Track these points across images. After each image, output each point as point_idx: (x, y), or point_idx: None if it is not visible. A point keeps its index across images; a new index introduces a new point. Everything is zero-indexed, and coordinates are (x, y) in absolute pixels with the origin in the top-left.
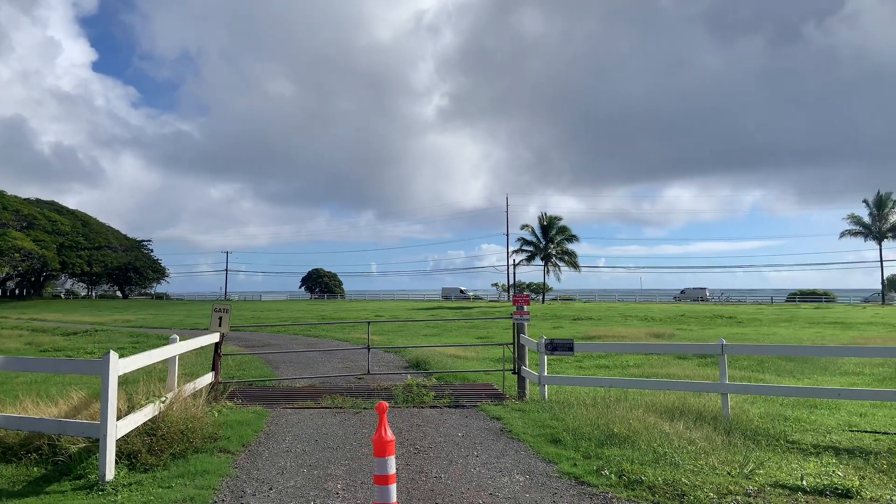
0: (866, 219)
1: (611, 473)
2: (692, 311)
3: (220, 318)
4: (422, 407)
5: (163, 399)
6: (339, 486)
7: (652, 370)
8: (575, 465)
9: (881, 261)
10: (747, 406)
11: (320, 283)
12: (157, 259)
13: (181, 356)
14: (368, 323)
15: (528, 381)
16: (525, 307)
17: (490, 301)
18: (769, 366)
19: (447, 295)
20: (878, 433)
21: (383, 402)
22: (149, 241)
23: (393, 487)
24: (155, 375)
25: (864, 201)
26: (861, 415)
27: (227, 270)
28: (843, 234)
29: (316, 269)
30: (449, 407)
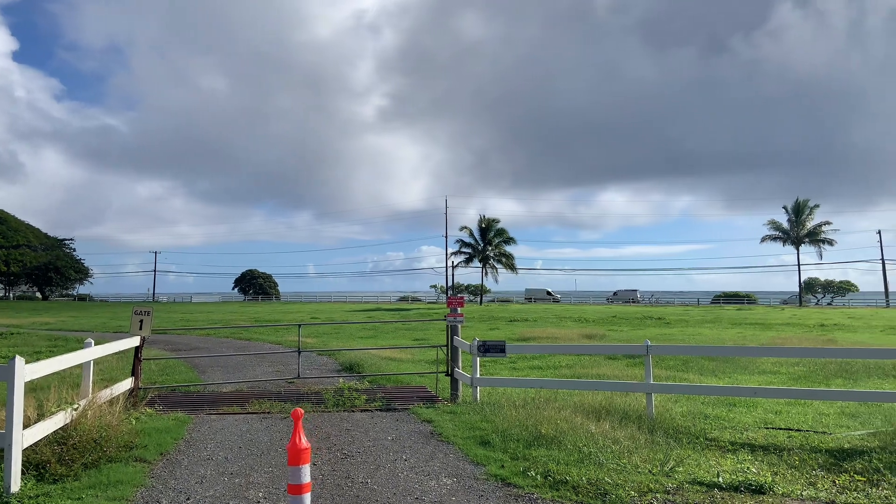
0: (785, 224)
1: (537, 474)
2: (624, 313)
3: (141, 321)
4: (353, 411)
5: (75, 406)
6: (260, 494)
7: (583, 370)
8: (502, 466)
9: (798, 264)
10: (671, 405)
11: (254, 285)
12: (80, 259)
13: (101, 361)
14: (300, 325)
15: (461, 383)
16: (459, 309)
17: (429, 303)
18: (693, 365)
19: (531, 297)
20: (791, 430)
21: (298, 408)
22: (71, 239)
23: (307, 497)
24: (70, 381)
25: (784, 208)
26: (776, 412)
27: (155, 271)
28: (764, 239)
29: (250, 270)
30: (381, 410)
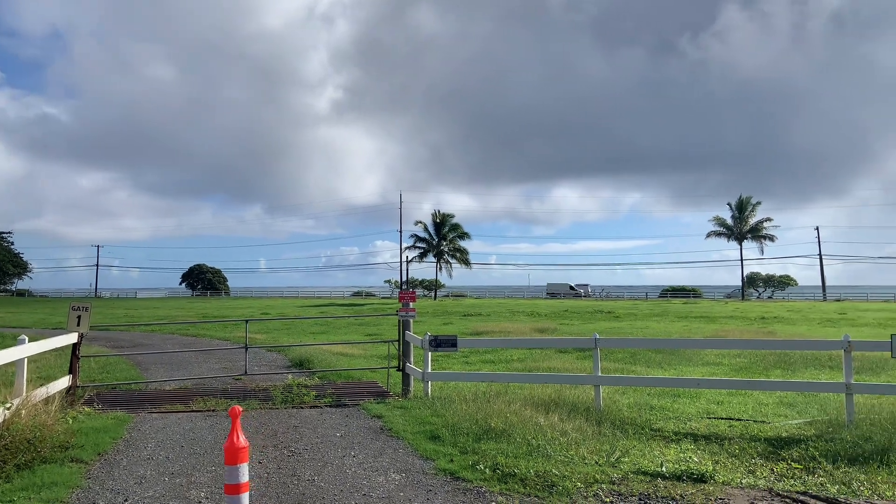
0: (729, 221)
1: (485, 468)
2: (575, 307)
3: (79, 317)
4: (301, 407)
5: (8, 405)
6: (202, 494)
7: (535, 364)
8: (452, 460)
9: (741, 259)
10: (618, 397)
11: (203, 280)
12: (19, 253)
13: (38, 359)
14: (247, 321)
15: (412, 377)
16: (411, 304)
17: (383, 298)
18: (641, 358)
19: (553, 291)
20: (731, 419)
21: (236, 406)
22: (9, 232)
23: (245, 497)
24: (4, 380)
25: (728, 205)
26: (719, 402)
27: (97, 266)
28: (709, 235)
29: (198, 265)
30: (330, 406)
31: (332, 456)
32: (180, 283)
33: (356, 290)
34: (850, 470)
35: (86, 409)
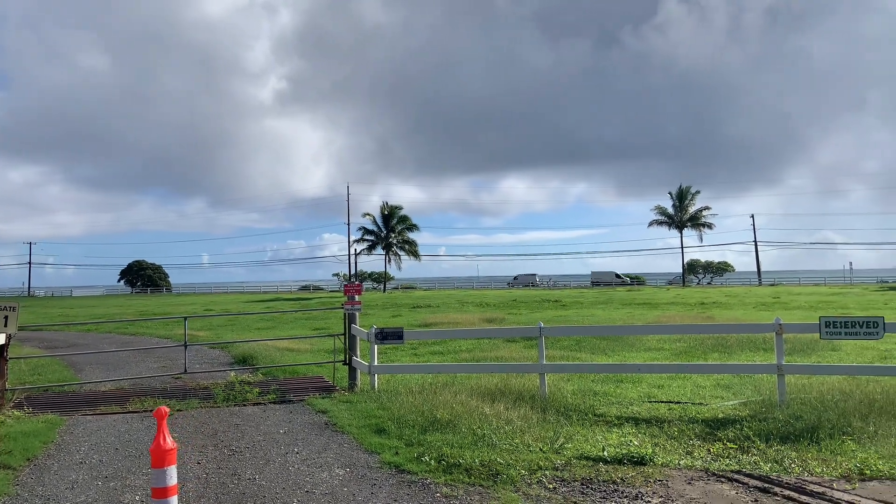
0: (670, 210)
1: (430, 459)
2: (523, 297)
3: (6, 318)
4: (244, 405)
5: None
6: (137, 497)
7: (483, 354)
8: (397, 453)
9: (682, 247)
10: (563, 384)
11: (143, 277)
12: None
13: None
14: (185, 318)
15: (359, 371)
16: (356, 297)
17: (331, 291)
18: (586, 345)
19: (597, 280)
20: (671, 403)
21: (162, 407)
22: None
23: (174, 500)
24: None
25: (669, 194)
26: (659, 386)
27: (30, 263)
28: (651, 224)
29: (137, 261)
30: (274, 403)
31: (275, 453)
32: (119, 281)
33: (304, 284)
34: (783, 448)
35: (15, 412)
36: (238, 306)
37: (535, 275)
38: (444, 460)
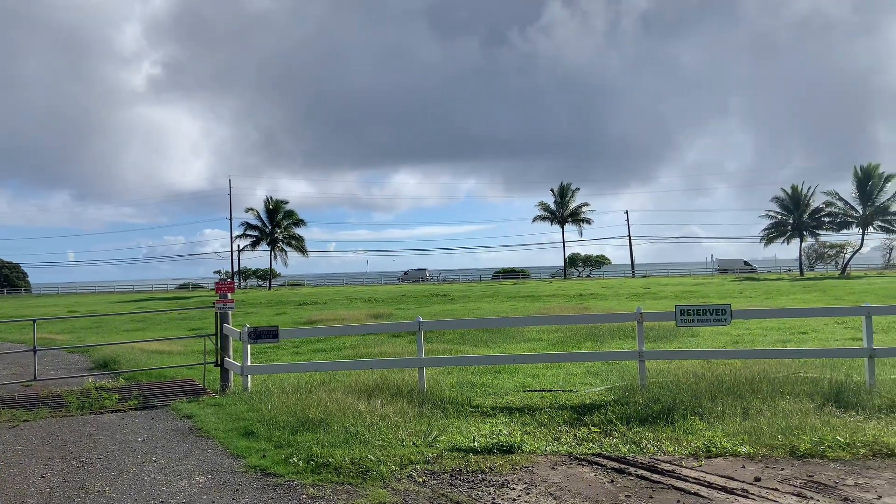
0: (553, 206)
1: (299, 460)
2: (413, 291)
3: None
4: (102, 413)
5: None
6: None
7: (366, 350)
8: (264, 456)
9: (563, 242)
10: (443, 377)
11: None
12: None
13: None
14: (34, 320)
15: (231, 373)
16: (229, 294)
17: (212, 290)
18: (469, 338)
19: (724, 268)
20: (544, 391)
21: None
22: None
23: None
24: None
25: (552, 190)
26: (535, 376)
27: None
28: (535, 219)
29: None
30: (136, 409)
31: (130, 463)
32: None
33: (183, 282)
34: (641, 430)
35: None
36: (107, 307)
37: (425, 270)
38: (313, 460)
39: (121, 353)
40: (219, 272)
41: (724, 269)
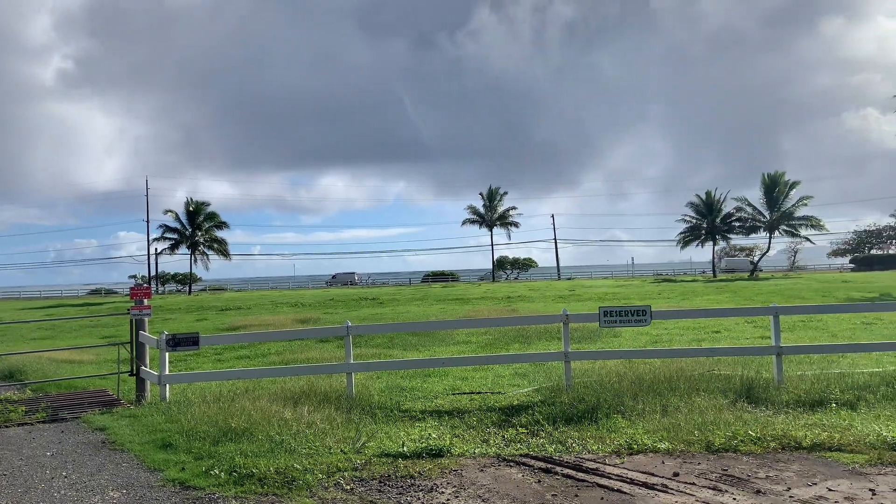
0: (481, 209)
1: (221, 472)
2: (341, 295)
3: None
4: (6, 427)
5: None
6: None
7: (293, 356)
8: (183, 469)
9: (492, 245)
10: (371, 382)
11: None
12: None
13: None
14: None
15: (148, 382)
16: (145, 300)
17: (127, 295)
18: (399, 342)
19: (731, 267)
20: (473, 394)
21: None
22: None
23: None
24: None
25: (480, 194)
26: (464, 378)
27: None
28: (464, 222)
29: None
30: (44, 422)
31: (38, 479)
32: None
33: (95, 287)
34: (567, 429)
35: None
36: (12, 314)
37: (353, 273)
38: (235, 472)
39: (27, 363)
40: (134, 277)
41: (732, 269)
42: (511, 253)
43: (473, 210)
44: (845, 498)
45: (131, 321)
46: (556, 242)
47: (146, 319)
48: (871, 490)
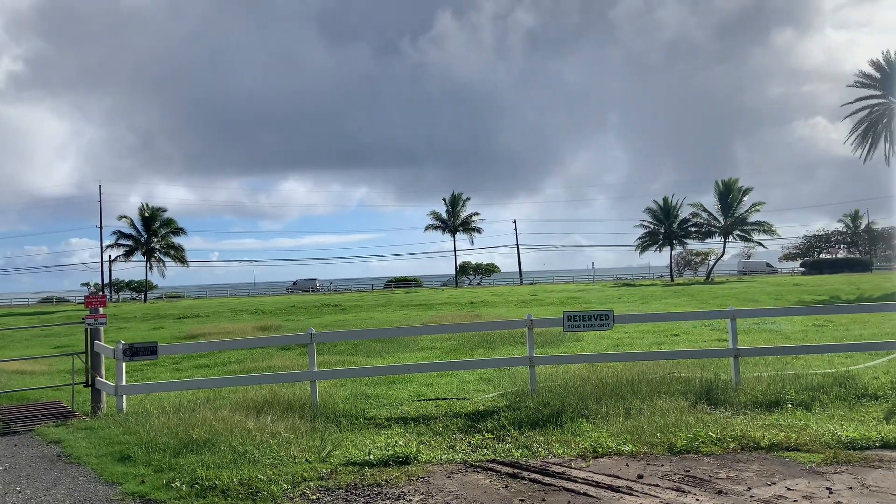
0: (444, 215)
1: (182, 484)
2: (302, 302)
3: None
4: None
5: None
6: None
7: (254, 364)
8: (143, 482)
9: (455, 250)
10: (335, 390)
11: None
12: None
13: None
14: None
15: (104, 393)
16: (101, 309)
17: (79, 303)
18: (363, 349)
19: (745, 269)
20: (438, 400)
21: None
22: None
23: None
24: None
25: (443, 200)
26: (429, 384)
27: None
28: (427, 228)
29: None
30: None
31: None
32: None
33: (46, 295)
34: (533, 434)
35: None
36: None
37: (315, 280)
38: (197, 484)
39: None
40: (87, 284)
41: (750, 270)
42: (474, 258)
43: (436, 216)
44: (804, 497)
45: (86, 330)
46: (518, 248)
47: (101, 328)
48: (828, 489)
